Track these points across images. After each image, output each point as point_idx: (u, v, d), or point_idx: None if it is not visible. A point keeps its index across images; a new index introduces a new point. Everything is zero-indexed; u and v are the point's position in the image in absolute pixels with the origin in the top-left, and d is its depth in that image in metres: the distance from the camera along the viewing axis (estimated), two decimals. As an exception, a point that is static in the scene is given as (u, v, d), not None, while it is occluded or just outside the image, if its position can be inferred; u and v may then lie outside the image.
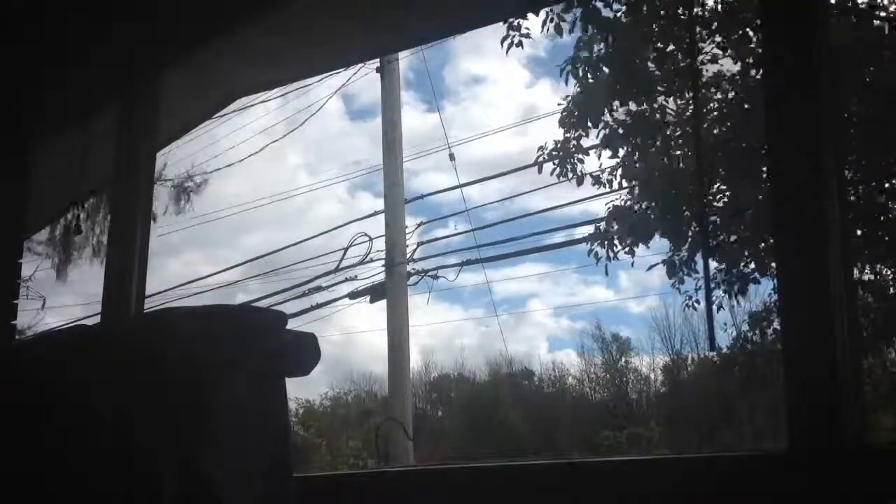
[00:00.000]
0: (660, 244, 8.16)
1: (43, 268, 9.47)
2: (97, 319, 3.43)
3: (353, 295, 11.06)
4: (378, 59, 10.25)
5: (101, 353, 1.98)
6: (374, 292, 10.67)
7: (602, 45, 7.45)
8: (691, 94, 7.43)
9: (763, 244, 7.44)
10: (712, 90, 7.60)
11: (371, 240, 10.92)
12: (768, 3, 2.08)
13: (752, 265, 7.75)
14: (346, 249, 11.18)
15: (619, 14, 7.36)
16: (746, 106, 7.33)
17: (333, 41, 3.41)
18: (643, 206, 7.85)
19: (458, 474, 2.54)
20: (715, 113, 7.64)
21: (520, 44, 7.23)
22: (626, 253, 7.95)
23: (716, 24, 7.22)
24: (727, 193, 7.70)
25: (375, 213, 11.18)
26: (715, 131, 7.47)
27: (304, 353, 2.06)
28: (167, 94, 3.41)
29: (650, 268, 8.25)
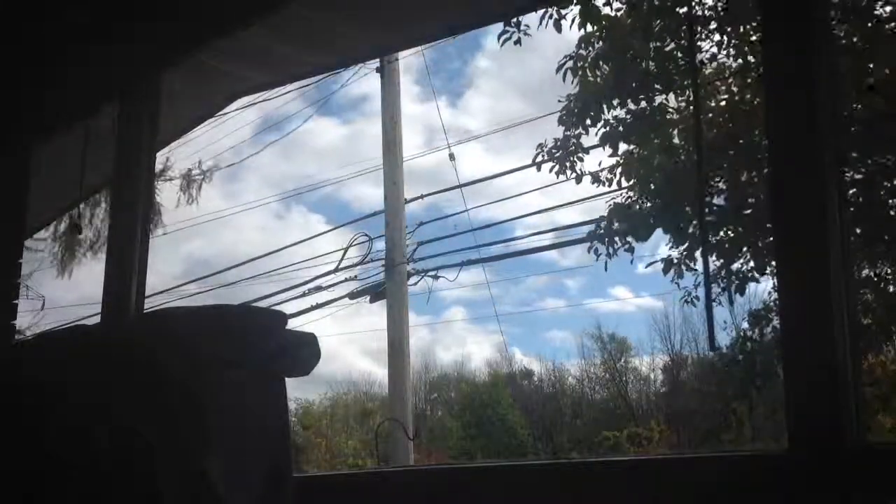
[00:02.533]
0: (660, 244, 8.17)
1: (43, 268, 9.48)
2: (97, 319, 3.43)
3: (353, 295, 11.06)
4: (378, 59, 10.26)
5: (100, 353, 1.98)
6: (359, 295, 10.68)
7: (601, 43, 7.46)
8: (691, 92, 7.43)
9: (761, 243, 7.45)
10: (715, 84, 7.60)
11: (371, 240, 10.93)
12: (768, 3, 2.08)
13: (752, 263, 7.76)
14: (345, 249, 11.18)
15: (619, 13, 7.38)
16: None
17: (333, 41, 3.41)
18: (645, 204, 7.85)
19: (458, 474, 2.54)
20: (714, 111, 7.64)
21: (518, 41, 7.23)
22: (625, 251, 7.96)
23: (714, 23, 7.22)
24: (727, 192, 7.71)
25: (375, 214, 11.19)
26: (715, 131, 7.48)
27: (304, 353, 2.06)
28: (167, 95, 3.41)
29: (649, 265, 8.26)
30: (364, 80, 11.22)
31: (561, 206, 10.97)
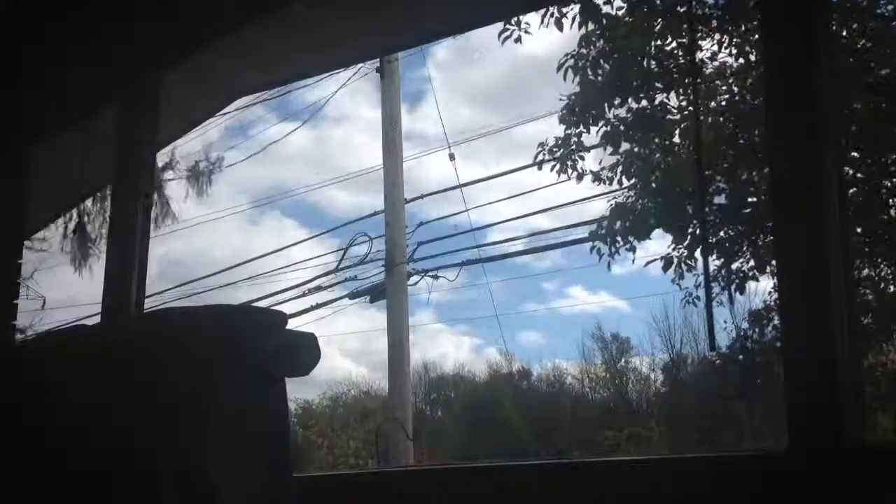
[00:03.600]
0: (660, 242, 8.17)
1: (47, 266, 9.49)
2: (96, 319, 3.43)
3: (353, 295, 11.06)
4: (378, 59, 10.26)
5: (100, 353, 1.98)
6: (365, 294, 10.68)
7: (601, 42, 7.46)
8: (691, 91, 7.43)
9: (761, 242, 7.45)
10: (716, 82, 7.60)
11: (371, 240, 10.93)
12: (768, 2, 2.08)
13: (752, 262, 7.76)
14: (345, 249, 11.18)
15: (620, 11, 7.38)
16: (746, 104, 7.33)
17: (333, 41, 3.41)
18: (645, 203, 7.84)
19: (458, 474, 2.54)
20: (715, 111, 7.64)
21: (519, 39, 7.23)
22: (626, 250, 7.95)
23: (715, 21, 7.22)
24: (728, 191, 7.71)
25: (375, 213, 11.19)
26: (713, 132, 7.48)
27: (304, 353, 2.06)
28: (167, 94, 3.41)
29: (648, 263, 8.25)
30: (318, 87, 11.22)
31: (560, 206, 10.97)
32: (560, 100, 7.93)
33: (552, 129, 8.04)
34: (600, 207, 8.35)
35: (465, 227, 11.02)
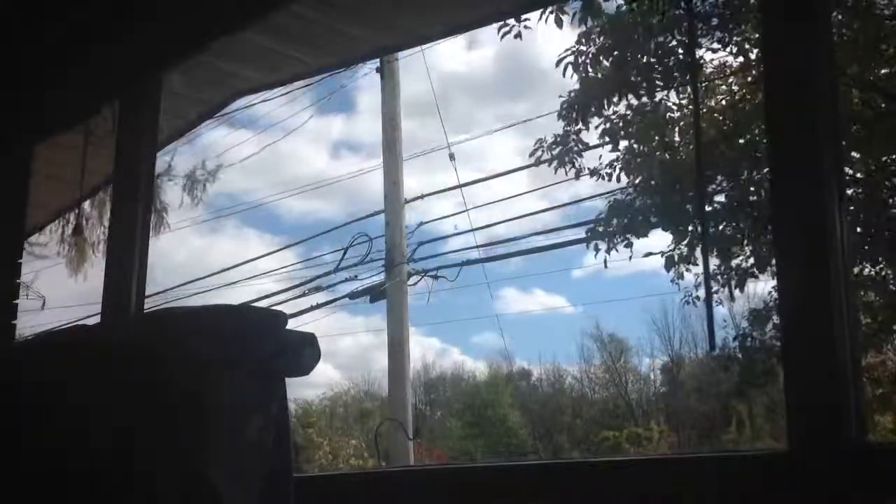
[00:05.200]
0: (660, 242, 8.17)
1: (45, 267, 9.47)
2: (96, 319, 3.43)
3: (353, 295, 11.06)
4: (378, 59, 10.26)
5: (100, 354, 1.98)
6: (372, 293, 10.66)
7: (602, 39, 7.46)
8: (691, 89, 7.43)
9: (763, 239, 7.45)
10: (715, 81, 7.60)
11: (371, 240, 10.92)
12: (768, 3, 2.07)
13: (752, 261, 7.75)
14: (345, 250, 11.18)
15: (620, 8, 7.38)
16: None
17: (333, 41, 3.41)
18: (645, 201, 7.84)
19: (458, 474, 2.54)
20: (715, 109, 7.64)
21: (518, 35, 7.23)
22: (624, 247, 7.96)
23: (716, 19, 7.22)
24: (727, 190, 7.71)
25: (375, 213, 11.20)
26: (713, 131, 7.48)
27: (305, 353, 2.06)
28: (167, 94, 3.41)
29: (647, 255, 8.25)
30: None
31: (562, 205, 10.96)
32: (560, 97, 7.93)
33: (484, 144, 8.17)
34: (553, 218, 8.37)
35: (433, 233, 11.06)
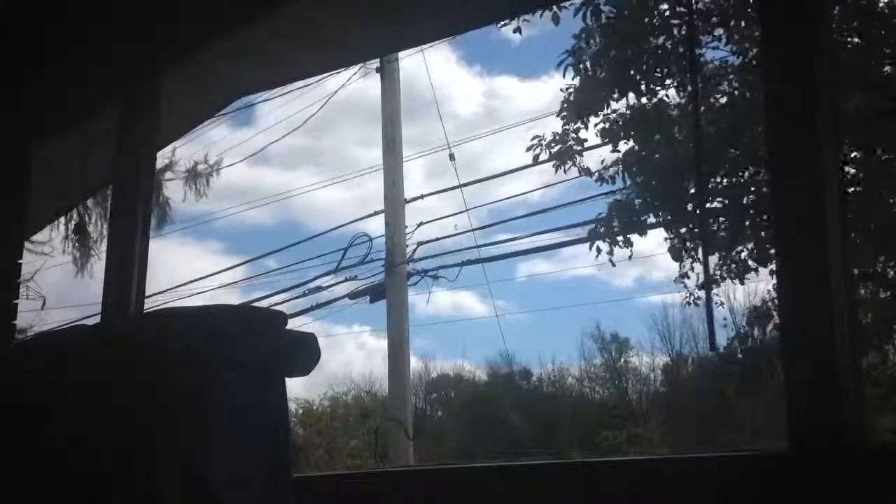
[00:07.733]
0: (656, 243, 8.16)
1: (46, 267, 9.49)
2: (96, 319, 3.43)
3: (353, 295, 11.06)
4: (378, 59, 10.26)
5: (100, 353, 1.98)
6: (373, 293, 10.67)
7: (601, 38, 7.45)
8: (691, 88, 7.43)
9: (764, 235, 7.43)
10: (714, 81, 7.59)
11: (371, 240, 10.92)
12: (768, 3, 2.07)
13: (751, 259, 7.74)
14: (345, 250, 11.18)
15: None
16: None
17: (333, 41, 3.41)
18: (646, 200, 7.83)
19: (458, 474, 2.54)
20: (715, 108, 7.63)
21: (518, 29, 7.25)
22: (623, 246, 7.94)
23: (715, 18, 7.22)
24: (727, 189, 7.70)
25: (375, 213, 11.20)
26: (713, 129, 7.47)
27: (304, 353, 2.06)
28: (167, 94, 3.41)
29: (646, 251, 8.20)
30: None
31: (562, 205, 10.99)
32: (562, 90, 7.91)
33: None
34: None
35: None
